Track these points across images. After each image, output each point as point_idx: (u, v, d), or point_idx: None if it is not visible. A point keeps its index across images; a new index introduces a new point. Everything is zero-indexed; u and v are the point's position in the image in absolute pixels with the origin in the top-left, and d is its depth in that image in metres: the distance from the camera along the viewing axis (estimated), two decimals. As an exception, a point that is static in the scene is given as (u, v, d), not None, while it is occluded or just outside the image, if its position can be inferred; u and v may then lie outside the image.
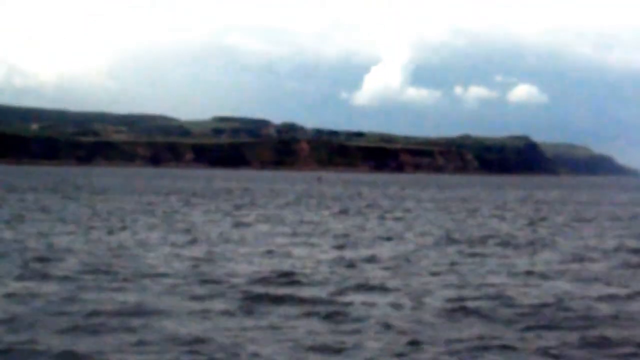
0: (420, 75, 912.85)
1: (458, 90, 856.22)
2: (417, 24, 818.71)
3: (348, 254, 32.62)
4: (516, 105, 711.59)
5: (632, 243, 40.55)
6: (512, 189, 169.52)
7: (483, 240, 40.27)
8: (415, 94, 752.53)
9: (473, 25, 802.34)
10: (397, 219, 56.55)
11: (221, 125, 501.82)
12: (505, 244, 38.90)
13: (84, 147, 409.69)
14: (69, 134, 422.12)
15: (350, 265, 28.98)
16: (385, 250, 34.41)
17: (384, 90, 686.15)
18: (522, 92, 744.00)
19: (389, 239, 40.44)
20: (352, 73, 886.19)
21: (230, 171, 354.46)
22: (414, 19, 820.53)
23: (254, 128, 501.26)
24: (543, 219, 61.98)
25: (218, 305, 20.65)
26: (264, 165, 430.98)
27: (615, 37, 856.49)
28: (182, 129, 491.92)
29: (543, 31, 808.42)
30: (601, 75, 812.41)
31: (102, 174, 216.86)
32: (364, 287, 23.87)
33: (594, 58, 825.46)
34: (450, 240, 40.09)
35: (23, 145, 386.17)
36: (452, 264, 30.01)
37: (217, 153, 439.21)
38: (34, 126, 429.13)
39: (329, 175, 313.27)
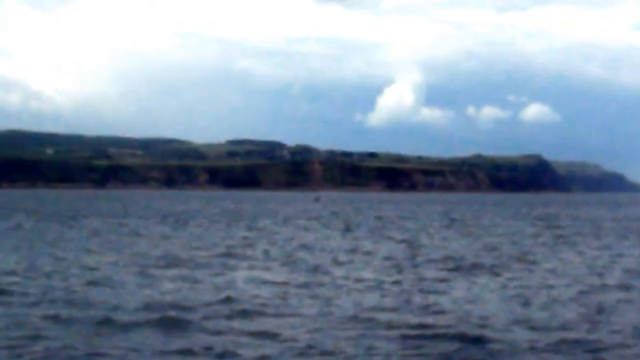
0: (433, 96, 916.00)
1: (471, 110, 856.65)
2: (429, 45, 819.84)
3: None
4: (529, 125, 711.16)
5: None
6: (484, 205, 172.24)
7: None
8: (429, 114, 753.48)
9: (484, 45, 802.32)
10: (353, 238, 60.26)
11: (235, 148, 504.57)
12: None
13: (98, 171, 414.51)
14: (83, 158, 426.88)
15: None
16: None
17: (398, 111, 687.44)
18: (535, 111, 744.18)
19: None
20: (366, 94, 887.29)
21: (243, 192, 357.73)
22: (426, 40, 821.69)
23: (268, 150, 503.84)
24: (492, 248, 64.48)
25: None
26: (277, 186, 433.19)
27: (623, 56, 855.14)
28: (196, 152, 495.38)
29: (553, 51, 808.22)
30: (611, 94, 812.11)
31: (134, 197, 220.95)
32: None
33: (603, 77, 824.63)
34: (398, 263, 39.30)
35: (38, 170, 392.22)
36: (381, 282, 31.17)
37: (231, 175, 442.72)
38: (50, 150, 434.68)
39: (338, 194, 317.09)
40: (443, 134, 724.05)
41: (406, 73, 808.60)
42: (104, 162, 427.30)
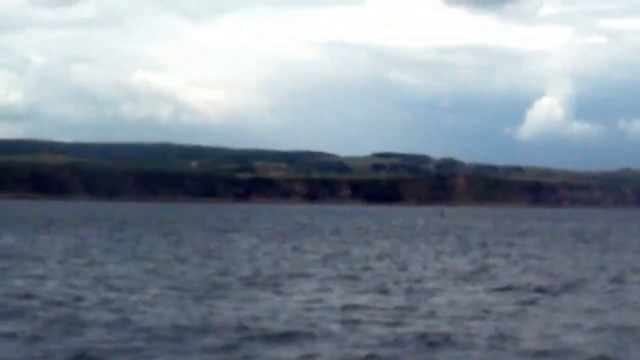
0: (583, 109, 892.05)
1: (621, 123, 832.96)
2: (581, 56, 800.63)
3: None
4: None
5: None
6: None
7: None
8: (578, 127, 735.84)
9: (636, 55, 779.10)
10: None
11: (380, 161, 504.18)
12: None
13: (241, 184, 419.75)
14: (227, 171, 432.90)
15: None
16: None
17: (547, 124, 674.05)
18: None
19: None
20: (515, 107, 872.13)
21: (385, 207, 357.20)
22: (578, 51, 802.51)
23: (413, 164, 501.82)
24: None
25: None
26: (420, 200, 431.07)
27: None
28: (341, 165, 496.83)
29: None
30: None
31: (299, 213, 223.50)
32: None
33: None
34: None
35: (180, 183, 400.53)
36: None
37: (374, 189, 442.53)
38: (193, 163, 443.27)
39: (475, 210, 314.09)
40: (591, 147, 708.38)
41: (557, 85, 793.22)
42: (247, 175, 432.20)
